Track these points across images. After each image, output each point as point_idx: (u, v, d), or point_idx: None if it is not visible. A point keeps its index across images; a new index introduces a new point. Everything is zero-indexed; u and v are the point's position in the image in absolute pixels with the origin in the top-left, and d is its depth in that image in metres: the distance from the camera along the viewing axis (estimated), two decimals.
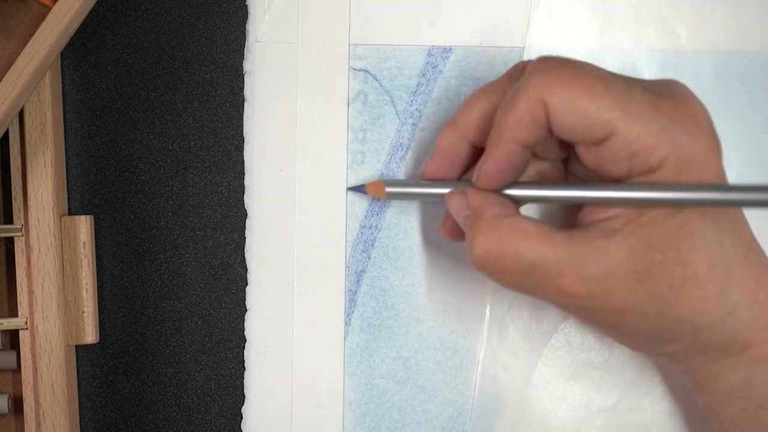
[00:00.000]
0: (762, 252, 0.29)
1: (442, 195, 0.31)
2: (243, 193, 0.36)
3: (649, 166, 0.26)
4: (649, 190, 0.26)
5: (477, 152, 0.31)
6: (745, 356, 0.28)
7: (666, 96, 0.27)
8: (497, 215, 0.28)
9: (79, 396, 0.37)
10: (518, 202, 0.29)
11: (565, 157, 0.31)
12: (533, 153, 0.29)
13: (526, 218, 0.28)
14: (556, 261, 0.26)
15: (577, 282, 0.26)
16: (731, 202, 0.26)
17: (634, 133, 0.25)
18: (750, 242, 0.28)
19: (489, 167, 0.28)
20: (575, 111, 0.26)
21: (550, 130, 0.27)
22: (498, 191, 0.29)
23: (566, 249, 0.26)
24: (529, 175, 0.31)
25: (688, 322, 0.27)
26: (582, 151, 0.27)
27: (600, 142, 0.26)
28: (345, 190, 0.36)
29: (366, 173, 0.36)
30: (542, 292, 0.27)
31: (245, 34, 0.36)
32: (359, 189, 0.35)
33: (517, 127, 0.27)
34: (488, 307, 0.36)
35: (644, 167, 0.26)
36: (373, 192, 0.34)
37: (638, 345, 0.30)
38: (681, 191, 0.26)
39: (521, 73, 0.29)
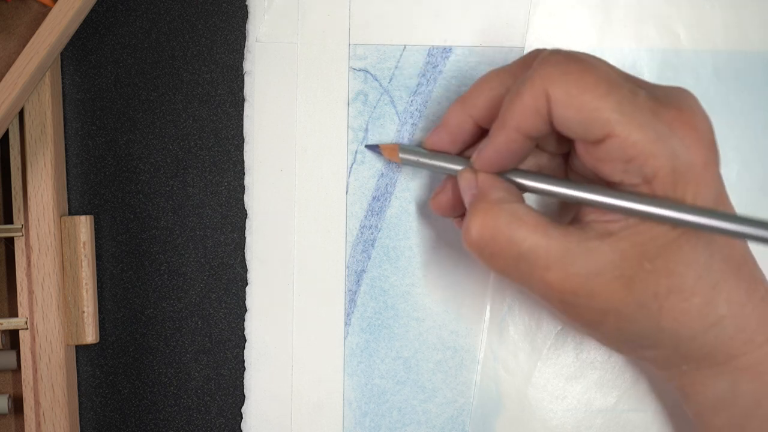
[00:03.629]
0: (755, 263, 0.29)
1: (453, 170, 0.31)
2: (243, 193, 0.36)
3: (644, 174, 0.26)
4: (647, 203, 0.26)
5: (481, 132, 0.31)
6: (729, 366, 0.28)
7: (670, 105, 0.26)
8: (499, 199, 0.28)
9: (79, 396, 0.37)
10: (523, 190, 0.30)
11: (566, 152, 0.31)
12: (536, 144, 0.29)
13: (527, 207, 0.28)
14: (546, 254, 0.26)
15: (563, 277, 0.26)
16: (725, 231, 0.26)
17: (632, 139, 0.25)
18: (743, 254, 0.28)
19: (489, 151, 0.28)
20: (575, 107, 0.26)
21: (552, 124, 0.27)
22: (506, 177, 0.29)
23: (559, 244, 0.26)
24: (527, 165, 0.31)
25: (669, 332, 0.27)
26: (580, 149, 0.27)
27: (597, 142, 0.26)
28: (345, 190, 0.36)
29: (366, 173, 0.36)
30: (527, 282, 0.27)
31: (245, 34, 0.36)
32: (374, 148, 0.36)
33: (520, 116, 0.27)
34: (488, 307, 0.36)
35: (639, 174, 0.26)
36: (388, 154, 0.34)
37: (618, 347, 0.30)
38: (678, 211, 0.26)
39: (534, 60, 0.29)
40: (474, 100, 0.30)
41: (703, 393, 0.29)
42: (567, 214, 0.34)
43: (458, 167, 0.31)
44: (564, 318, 0.28)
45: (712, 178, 0.27)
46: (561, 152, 0.31)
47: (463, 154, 0.32)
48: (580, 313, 0.27)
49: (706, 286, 0.27)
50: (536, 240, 0.27)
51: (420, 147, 0.33)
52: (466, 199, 0.30)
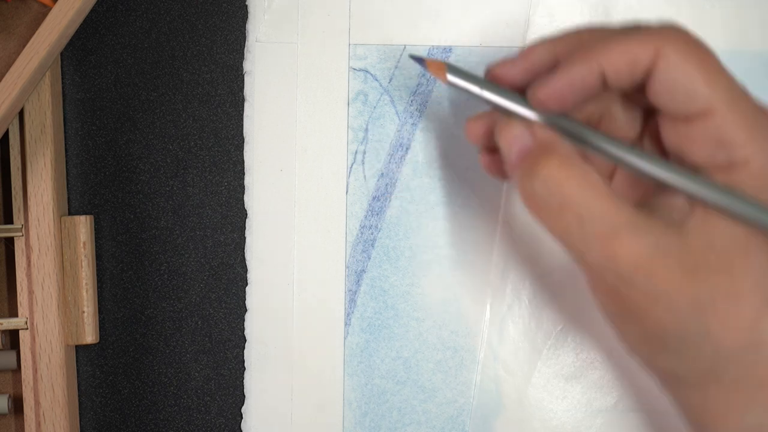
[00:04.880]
0: None
1: (506, 108, 0.28)
2: (243, 193, 0.36)
3: (732, 161, 0.25)
4: (733, 197, 0.25)
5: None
6: (762, 394, 0.26)
7: None
8: (570, 155, 0.26)
9: (79, 396, 0.37)
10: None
11: (636, 135, 0.29)
12: (609, 116, 0.28)
13: (595, 172, 0.26)
14: (618, 222, 0.25)
15: (629, 249, 0.25)
16: None
17: (733, 121, 0.24)
18: None
19: (560, 81, 0.26)
20: (685, 72, 0.24)
21: (641, 90, 0.26)
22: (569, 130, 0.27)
23: (631, 215, 0.25)
24: None
25: (714, 338, 0.25)
26: (666, 125, 0.26)
27: (691, 117, 0.25)
28: (345, 190, 0.36)
29: (366, 173, 0.36)
30: (585, 246, 0.25)
31: (245, 34, 0.36)
32: (419, 60, 0.31)
33: (616, 56, 0.25)
34: (488, 307, 0.36)
35: (726, 160, 0.25)
36: (435, 70, 0.30)
37: (648, 349, 0.27)
38: (760, 212, 0.25)
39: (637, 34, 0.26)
40: (565, 41, 0.28)
41: (727, 424, 0.27)
42: (634, 191, 0.31)
43: (515, 107, 0.28)
44: (607, 301, 0.26)
45: None
46: (631, 135, 0.29)
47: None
48: (629, 295, 0.25)
49: (759, 298, 0.25)
50: (607, 206, 0.25)
51: (474, 75, 0.29)
52: (514, 149, 0.27)
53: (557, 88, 0.26)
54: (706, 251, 0.25)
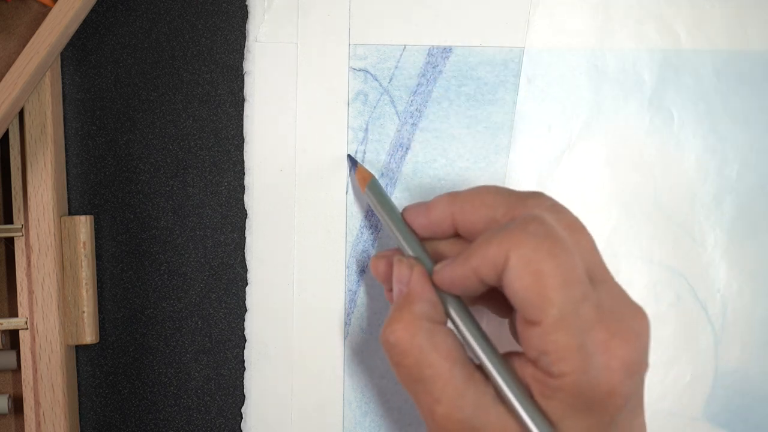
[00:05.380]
0: None
1: (402, 246, 0.31)
2: (243, 193, 0.36)
3: (551, 371, 0.26)
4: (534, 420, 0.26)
5: (455, 233, 0.31)
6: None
7: (612, 325, 0.26)
8: (424, 314, 0.28)
9: (79, 396, 0.37)
10: (448, 316, 0.29)
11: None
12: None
13: (447, 331, 0.28)
14: (442, 388, 0.27)
15: (446, 417, 0.27)
16: None
17: (554, 337, 0.25)
18: None
19: (446, 274, 0.29)
20: (523, 283, 0.26)
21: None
22: (443, 292, 0.29)
23: (458, 384, 0.27)
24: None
25: None
26: (517, 317, 0.27)
27: (527, 321, 0.26)
28: (345, 190, 0.36)
29: None
30: (417, 402, 0.28)
31: (245, 34, 0.36)
32: (354, 162, 0.35)
33: (481, 261, 0.27)
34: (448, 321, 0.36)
35: (547, 369, 0.26)
36: (359, 177, 0.34)
37: None
38: None
39: (529, 204, 0.28)
40: (462, 205, 0.30)
41: None
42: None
43: (406, 246, 0.31)
44: None
45: (617, 406, 0.26)
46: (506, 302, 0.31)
47: (430, 239, 0.31)
48: None
49: None
50: (440, 370, 0.27)
51: (390, 202, 0.32)
52: (395, 288, 0.30)
53: (445, 280, 0.29)
54: None
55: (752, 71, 0.37)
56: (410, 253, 0.31)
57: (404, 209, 0.32)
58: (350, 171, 0.36)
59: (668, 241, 0.37)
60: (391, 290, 0.32)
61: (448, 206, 0.30)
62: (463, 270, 0.28)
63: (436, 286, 0.29)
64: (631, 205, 0.37)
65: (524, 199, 0.29)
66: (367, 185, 0.33)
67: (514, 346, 0.29)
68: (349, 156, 0.36)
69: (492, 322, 0.32)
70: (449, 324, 0.29)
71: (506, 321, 0.31)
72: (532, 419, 0.26)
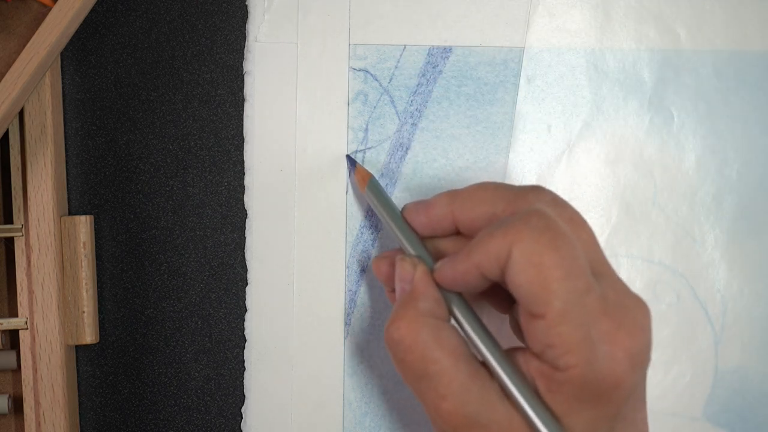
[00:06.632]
0: None
1: (403, 245, 0.31)
2: (243, 193, 0.36)
3: (557, 364, 0.26)
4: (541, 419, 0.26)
5: (456, 231, 0.31)
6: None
7: (617, 315, 0.26)
8: (428, 311, 0.28)
9: (79, 396, 0.37)
10: (450, 313, 0.29)
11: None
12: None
13: (451, 329, 0.28)
14: (448, 384, 0.27)
15: (452, 413, 0.27)
16: None
17: (559, 330, 0.25)
18: None
19: (448, 271, 0.29)
20: (527, 276, 0.26)
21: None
22: (445, 290, 0.29)
23: (464, 381, 0.27)
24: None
25: None
26: (519, 310, 0.27)
27: (531, 314, 0.26)
28: (345, 190, 0.36)
29: None
30: (422, 399, 0.28)
31: (245, 34, 0.36)
32: (353, 162, 0.35)
33: (483, 257, 0.27)
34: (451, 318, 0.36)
35: (552, 361, 0.26)
36: (359, 177, 0.34)
37: None
38: None
39: (529, 199, 0.28)
40: (462, 202, 0.30)
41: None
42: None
43: (407, 245, 0.31)
44: None
45: (622, 397, 0.26)
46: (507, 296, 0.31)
47: (431, 237, 0.31)
48: None
49: None
50: (445, 366, 0.27)
51: (390, 202, 0.32)
52: (398, 287, 0.30)
53: (447, 277, 0.29)
54: None
55: (752, 71, 0.37)
56: (411, 251, 0.31)
57: (404, 208, 0.32)
58: (349, 171, 0.36)
59: (668, 241, 0.37)
60: (392, 291, 0.32)
61: (448, 204, 0.30)
62: (465, 266, 0.28)
63: (437, 284, 0.29)
64: (631, 205, 0.37)
65: (524, 194, 0.29)
66: (366, 185, 0.33)
67: (514, 342, 0.29)
68: (348, 156, 0.36)
69: (493, 319, 0.32)
70: (452, 321, 0.29)
71: (506, 317, 0.31)
72: (538, 414, 0.26)
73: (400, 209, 0.32)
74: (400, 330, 0.28)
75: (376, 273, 0.33)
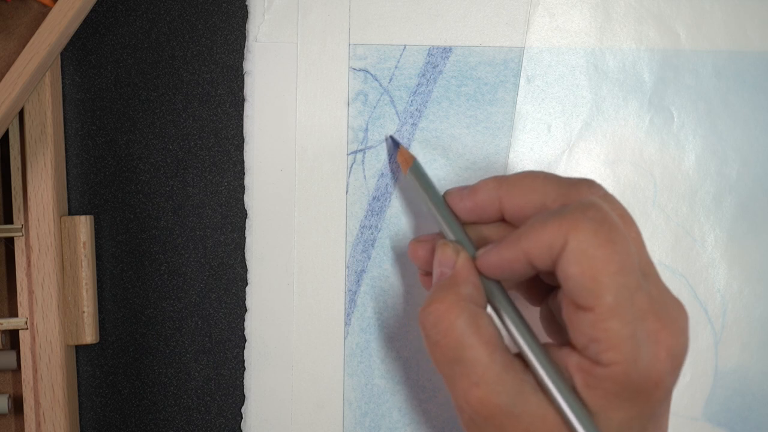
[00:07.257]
0: None
1: (444, 231, 0.31)
2: (243, 193, 0.36)
3: (601, 359, 0.26)
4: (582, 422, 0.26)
5: (501, 217, 0.30)
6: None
7: (662, 314, 0.26)
8: (468, 297, 0.28)
9: (79, 396, 0.37)
10: (489, 302, 0.29)
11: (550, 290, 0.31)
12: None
13: (488, 317, 0.28)
14: (483, 371, 0.27)
15: (482, 401, 0.26)
16: None
17: (607, 325, 0.25)
18: None
19: (493, 257, 0.28)
20: (581, 268, 0.25)
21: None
22: (486, 277, 0.29)
23: (499, 370, 0.27)
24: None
25: None
26: (564, 301, 0.27)
27: (579, 307, 0.26)
28: (345, 190, 0.36)
29: (366, 173, 0.36)
30: (452, 385, 0.28)
31: (245, 34, 0.36)
32: (396, 143, 0.35)
33: (534, 244, 0.27)
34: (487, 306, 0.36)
35: (595, 357, 0.26)
36: (402, 159, 0.34)
37: None
38: None
39: (582, 190, 0.28)
40: (511, 189, 0.30)
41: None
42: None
43: (448, 230, 0.31)
44: (466, 426, 0.28)
45: (660, 398, 0.26)
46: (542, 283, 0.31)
47: (473, 223, 0.31)
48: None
49: None
50: (480, 354, 0.27)
51: (434, 185, 0.32)
52: (436, 271, 0.30)
53: (491, 264, 0.28)
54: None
55: (752, 71, 0.37)
56: (452, 236, 0.30)
57: (446, 192, 0.32)
58: (390, 153, 0.35)
59: (668, 241, 0.37)
60: (426, 274, 0.32)
61: (495, 190, 0.30)
62: (513, 253, 0.27)
63: (479, 271, 0.29)
64: (631, 205, 0.37)
65: (577, 186, 0.28)
66: (409, 168, 0.33)
67: (543, 335, 0.29)
68: (391, 137, 0.36)
69: (523, 311, 0.32)
70: (488, 310, 0.29)
71: (536, 311, 0.31)
72: (572, 409, 0.26)
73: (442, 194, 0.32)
74: (439, 312, 0.28)
75: (411, 255, 0.32)
